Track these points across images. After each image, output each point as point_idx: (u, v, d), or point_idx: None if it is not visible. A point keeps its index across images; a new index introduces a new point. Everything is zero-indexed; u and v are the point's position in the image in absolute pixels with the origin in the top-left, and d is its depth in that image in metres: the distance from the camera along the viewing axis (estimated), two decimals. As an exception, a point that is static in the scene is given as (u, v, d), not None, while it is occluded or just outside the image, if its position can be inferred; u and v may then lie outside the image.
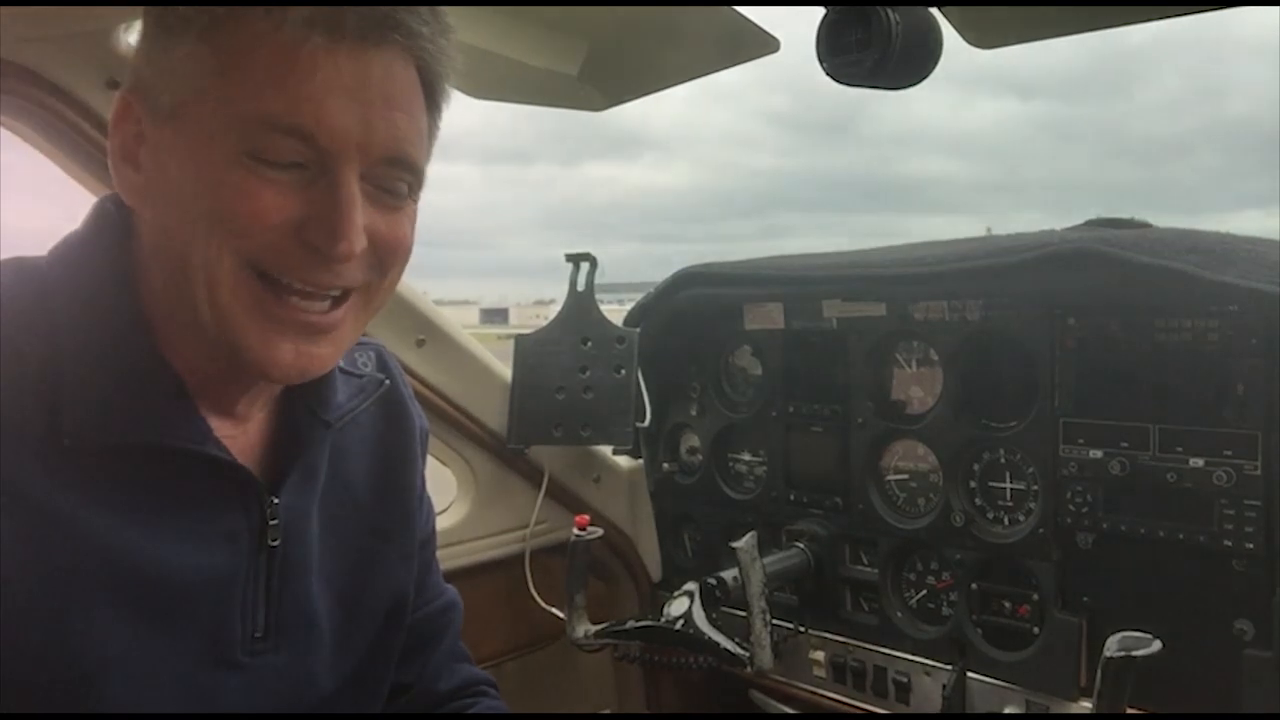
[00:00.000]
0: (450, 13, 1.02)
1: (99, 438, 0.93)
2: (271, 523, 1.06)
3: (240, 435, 1.07)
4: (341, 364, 1.21)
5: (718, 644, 1.80)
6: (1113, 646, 1.35)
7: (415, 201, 1.05)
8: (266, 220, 0.91)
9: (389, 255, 1.01)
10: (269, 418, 1.12)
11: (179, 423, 0.98)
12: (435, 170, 1.04)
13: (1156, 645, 1.33)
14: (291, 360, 0.97)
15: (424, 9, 0.98)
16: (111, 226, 1.02)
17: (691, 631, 1.83)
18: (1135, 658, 1.33)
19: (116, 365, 0.96)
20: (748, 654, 1.79)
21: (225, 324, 0.94)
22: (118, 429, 0.94)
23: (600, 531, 2.01)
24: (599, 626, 1.98)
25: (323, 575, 1.14)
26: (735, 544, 1.81)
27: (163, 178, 0.94)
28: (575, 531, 1.98)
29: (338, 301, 0.99)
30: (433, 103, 1.04)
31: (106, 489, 0.94)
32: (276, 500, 1.06)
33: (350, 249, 0.93)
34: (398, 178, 0.99)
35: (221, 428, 1.03)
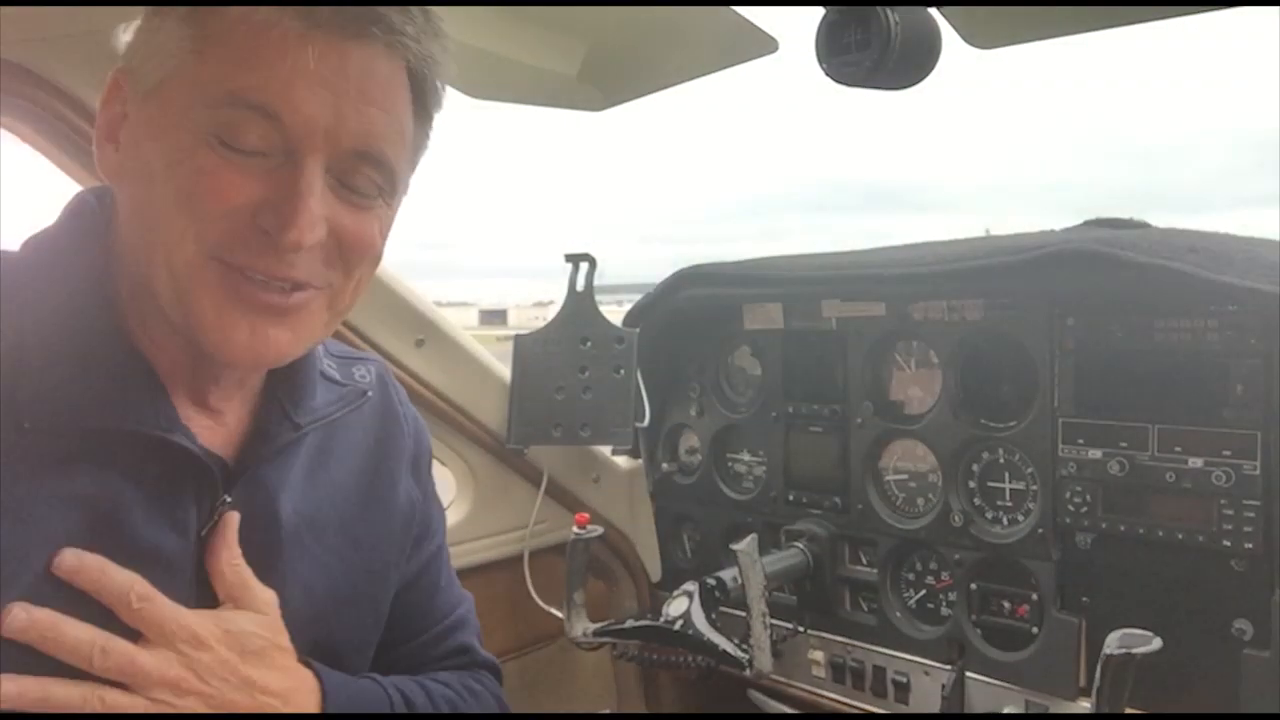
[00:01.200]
0: (450, 13, 1.01)
1: (58, 421, 0.92)
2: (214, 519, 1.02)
3: (219, 429, 1.06)
4: (328, 371, 1.20)
5: (716, 646, 1.80)
6: (1113, 644, 1.34)
7: (390, 206, 1.03)
8: (225, 202, 0.90)
9: (352, 253, 0.99)
10: (248, 415, 1.10)
11: (144, 408, 0.96)
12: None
13: (1157, 643, 1.33)
14: (247, 341, 0.94)
15: (415, 9, 0.97)
16: (88, 218, 1.02)
17: (690, 632, 1.82)
18: (1135, 655, 1.32)
19: (81, 351, 0.95)
20: (747, 657, 1.78)
21: (185, 303, 0.93)
22: (77, 413, 0.93)
23: (600, 530, 2.00)
24: (598, 625, 1.98)
25: (293, 579, 1.10)
26: (736, 546, 1.80)
27: (136, 155, 0.95)
28: (575, 530, 1.97)
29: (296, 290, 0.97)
30: (421, 108, 1.02)
31: (67, 474, 0.92)
32: (229, 498, 1.03)
33: (299, 238, 0.91)
34: (367, 175, 0.97)
35: (197, 419, 1.02)
